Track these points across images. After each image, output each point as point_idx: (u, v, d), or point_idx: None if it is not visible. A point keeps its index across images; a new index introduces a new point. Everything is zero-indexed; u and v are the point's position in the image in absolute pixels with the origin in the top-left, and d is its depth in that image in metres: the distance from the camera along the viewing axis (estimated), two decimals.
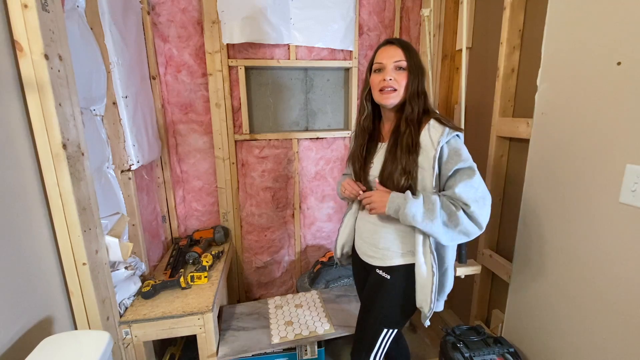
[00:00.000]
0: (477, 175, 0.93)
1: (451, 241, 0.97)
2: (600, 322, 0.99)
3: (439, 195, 0.94)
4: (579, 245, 1.04)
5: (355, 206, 1.19)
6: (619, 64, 0.89)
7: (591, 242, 1.00)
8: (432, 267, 0.98)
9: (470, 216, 0.91)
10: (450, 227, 0.93)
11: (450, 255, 1.05)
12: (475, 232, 0.93)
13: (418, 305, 1.04)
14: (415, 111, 0.98)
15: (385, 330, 1.08)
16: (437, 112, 1.03)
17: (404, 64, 0.98)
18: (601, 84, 0.94)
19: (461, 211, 0.91)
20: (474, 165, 0.94)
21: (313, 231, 2.15)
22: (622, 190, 0.89)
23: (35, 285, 0.94)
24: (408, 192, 0.95)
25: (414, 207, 0.92)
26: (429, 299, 0.99)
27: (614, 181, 0.92)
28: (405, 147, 0.96)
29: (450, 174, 0.94)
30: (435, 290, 0.99)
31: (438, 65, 1.81)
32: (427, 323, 1.05)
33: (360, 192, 1.07)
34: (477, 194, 0.92)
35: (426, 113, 1.01)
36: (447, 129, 0.93)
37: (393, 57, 0.98)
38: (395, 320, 1.09)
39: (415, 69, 0.98)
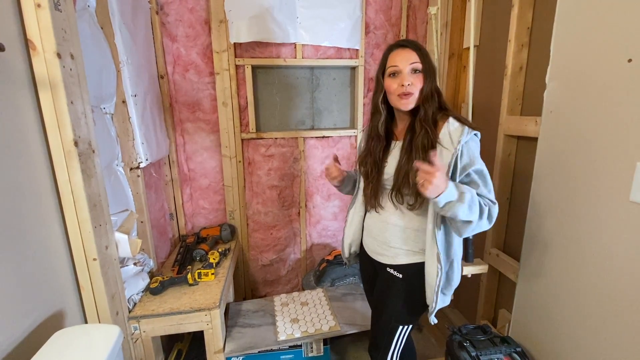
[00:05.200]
0: (489, 177, 0.97)
1: (466, 234, 0.96)
2: (608, 322, 0.97)
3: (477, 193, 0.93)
4: (587, 244, 1.03)
5: (360, 204, 1.19)
6: (629, 61, 0.88)
7: (600, 241, 0.99)
8: (437, 267, 0.99)
9: (490, 214, 0.93)
10: (476, 221, 0.91)
11: (457, 250, 1.05)
12: (486, 228, 0.95)
13: (428, 302, 1.06)
14: (429, 113, 0.98)
15: (400, 327, 1.10)
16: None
17: (419, 66, 0.97)
18: (611, 82, 0.93)
19: (487, 209, 0.92)
20: (485, 167, 0.96)
21: (319, 229, 2.15)
22: (633, 188, 0.88)
23: (47, 280, 0.96)
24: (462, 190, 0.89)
25: (465, 206, 0.87)
26: (433, 297, 1.02)
27: (624, 179, 0.91)
28: (421, 147, 0.96)
29: (464, 174, 0.94)
30: (439, 290, 1.01)
31: (445, 63, 1.80)
32: (434, 320, 1.06)
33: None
34: (493, 194, 0.96)
35: (442, 110, 1.01)
36: (466, 128, 0.94)
37: (409, 60, 0.97)
38: (409, 317, 1.11)
39: (429, 70, 0.98)
